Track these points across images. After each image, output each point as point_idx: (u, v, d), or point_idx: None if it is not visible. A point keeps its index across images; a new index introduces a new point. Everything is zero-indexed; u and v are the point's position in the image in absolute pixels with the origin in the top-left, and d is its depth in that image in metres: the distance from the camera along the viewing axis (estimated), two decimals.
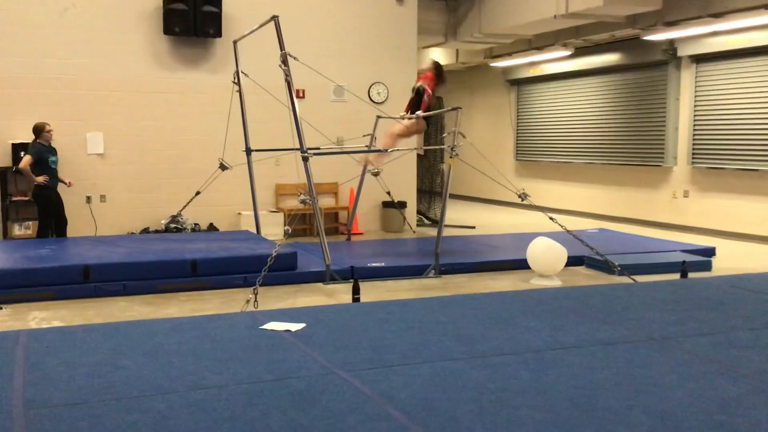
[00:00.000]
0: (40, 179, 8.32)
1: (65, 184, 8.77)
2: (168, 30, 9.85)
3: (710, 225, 10.82)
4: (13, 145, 9.29)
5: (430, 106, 8.43)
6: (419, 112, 8.21)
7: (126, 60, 9.90)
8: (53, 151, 8.63)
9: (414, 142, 10.98)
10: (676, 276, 6.83)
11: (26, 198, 9.24)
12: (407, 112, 8.46)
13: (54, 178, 8.55)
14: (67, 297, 6.50)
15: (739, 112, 10.34)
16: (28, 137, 8.82)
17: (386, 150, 8.53)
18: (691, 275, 6.81)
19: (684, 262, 7.13)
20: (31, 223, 9.27)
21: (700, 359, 3.77)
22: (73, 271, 6.65)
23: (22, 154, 8.68)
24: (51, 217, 8.57)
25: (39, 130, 8.49)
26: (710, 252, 8.93)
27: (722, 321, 4.57)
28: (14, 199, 9.40)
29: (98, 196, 9.90)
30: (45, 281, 6.52)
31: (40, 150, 8.41)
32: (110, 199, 9.97)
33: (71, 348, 3.95)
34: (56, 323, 5.68)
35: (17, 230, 9.35)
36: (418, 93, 8.31)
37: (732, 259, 8.73)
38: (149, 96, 10.06)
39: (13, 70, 9.39)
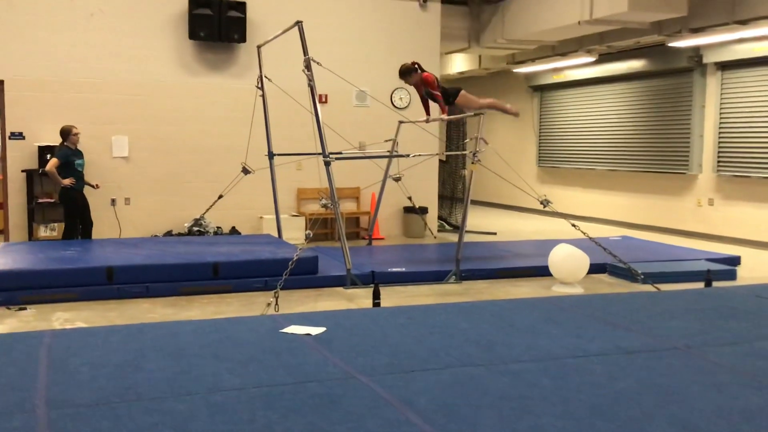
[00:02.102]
0: (66, 182, 8.42)
1: (92, 186, 8.87)
2: (193, 35, 9.94)
3: (735, 233, 10.68)
4: (39, 147, 9.42)
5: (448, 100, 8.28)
6: (443, 116, 8.23)
7: (151, 64, 10.01)
8: (79, 154, 8.73)
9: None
10: (700, 285, 6.75)
11: (52, 200, 9.36)
12: (428, 116, 8.45)
13: (80, 180, 8.65)
14: (91, 298, 6.55)
15: (766, 120, 10.21)
16: (55, 140, 8.94)
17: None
18: (715, 284, 6.73)
19: (708, 270, 7.04)
20: (56, 224, 9.38)
21: (724, 369, 3.72)
22: (97, 272, 6.72)
23: (49, 156, 8.80)
24: (77, 219, 8.66)
25: (66, 133, 8.60)
26: (735, 261, 8.82)
27: (747, 330, 4.51)
28: (40, 201, 9.52)
29: (123, 198, 10.00)
30: (69, 282, 6.59)
31: (67, 153, 8.52)
32: (134, 202, 10.06)
33: (94, 349, 3.99)
34: (79, 324, 5.73)
35: (43, 232, 9.46)
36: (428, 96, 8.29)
37: (757, 268, 8.62)
38: (174, 100, 10.16)
39: (40, 73, 9.52)
